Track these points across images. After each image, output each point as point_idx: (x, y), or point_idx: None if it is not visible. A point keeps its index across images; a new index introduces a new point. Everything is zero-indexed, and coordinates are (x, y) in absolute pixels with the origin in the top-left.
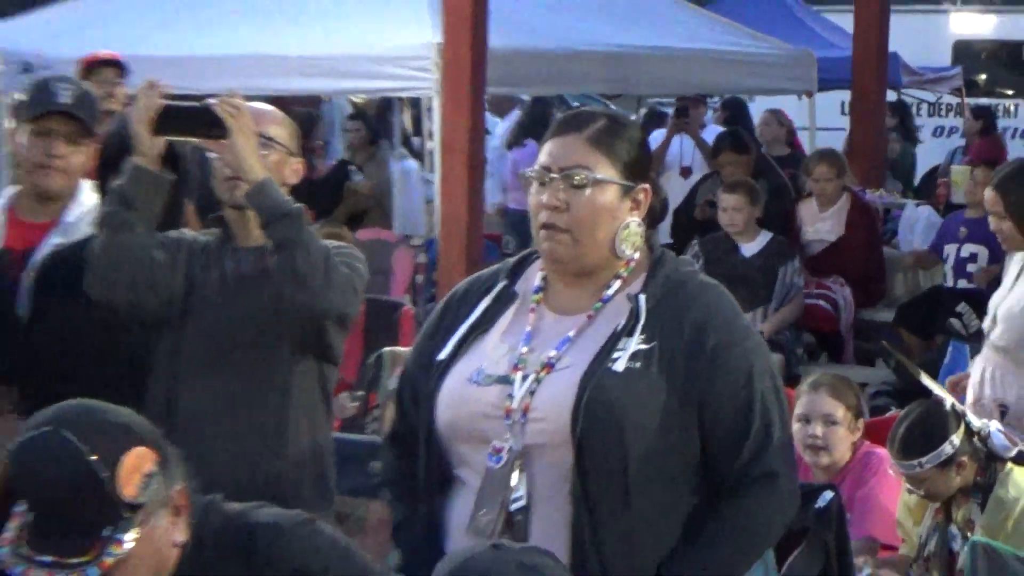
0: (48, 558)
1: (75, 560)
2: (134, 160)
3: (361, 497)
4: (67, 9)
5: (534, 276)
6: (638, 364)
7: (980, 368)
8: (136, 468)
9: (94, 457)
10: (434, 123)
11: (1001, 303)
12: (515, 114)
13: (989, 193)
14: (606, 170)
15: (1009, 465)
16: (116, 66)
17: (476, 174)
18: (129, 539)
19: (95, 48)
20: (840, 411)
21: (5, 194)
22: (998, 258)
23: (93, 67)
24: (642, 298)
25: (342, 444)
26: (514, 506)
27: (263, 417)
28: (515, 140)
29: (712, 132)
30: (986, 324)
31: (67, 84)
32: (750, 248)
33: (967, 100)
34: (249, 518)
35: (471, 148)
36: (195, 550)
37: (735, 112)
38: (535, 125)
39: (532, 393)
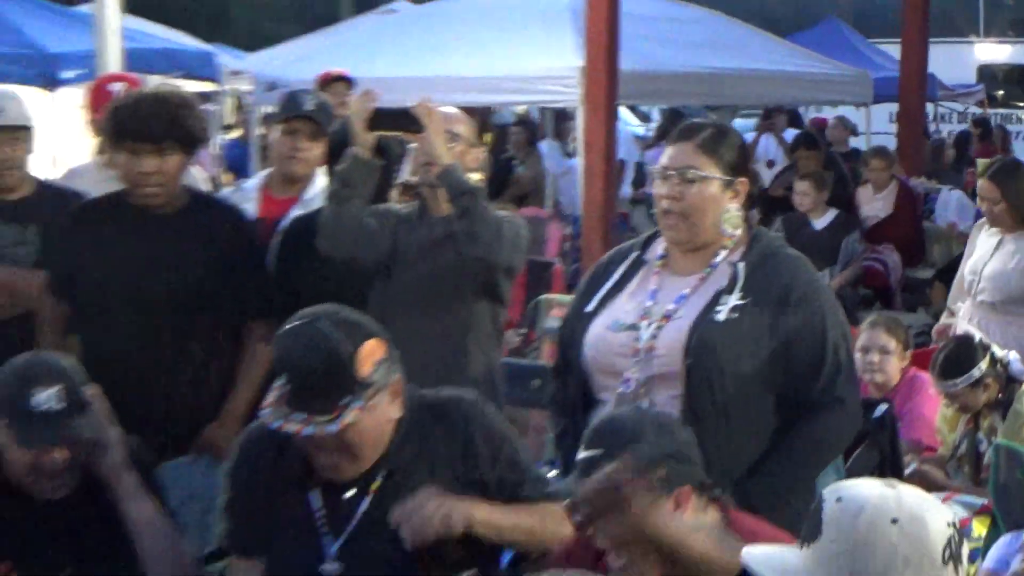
0: (301, 415)
1: (321, 418)
2: (353, 150)
3: (523, 406)
4: (298, 45)
5: (659, 247)
6: (735, 315)
7: (967, 317)
8: (371, 354)
9: (341, 342)
10: (577, 128)
11: (985, 266)
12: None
13: (984, 183)
14: (710, 169)
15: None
16: (346, 81)
17: (610, 166)
18: (361, 408)
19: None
20: (892, 343)
21: (260, 176)
22: None
23: (328, 81)
24: (741, 265)
25: (509, 366)
26: None
27: (450, 345)
28: (654, 143)
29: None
30: (967, 281)
31: (310, 95)
32: (820, 223)
33: (988, 110)
34: (444, 395)
35: (606, 146)
36: (407, 424)
37: (792, 118)
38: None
39: (654, 337)
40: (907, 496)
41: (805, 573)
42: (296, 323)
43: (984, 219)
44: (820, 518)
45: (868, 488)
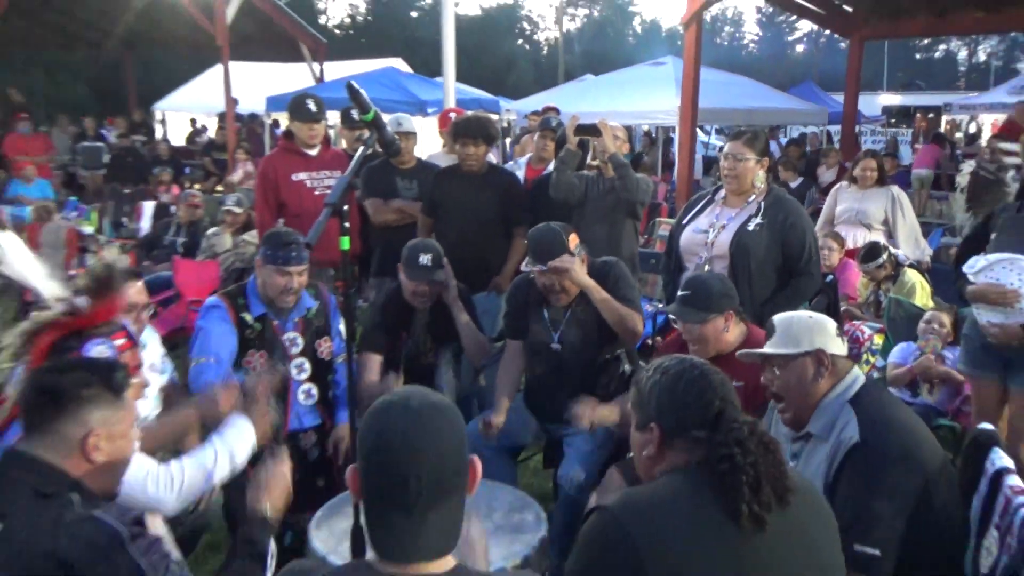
0: (540, 266)
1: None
2: (567, 145)
3: (649, 272)
4: (537, 96)
5: (722, 192)
6: (758, 228)
7: (849, 234)
8: (573, 239)
9: (559, 231)
10: (676, 137)
11: (859, 206)
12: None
13: (866, 160)
14: (749, 153)
15: (905, 268)
16: (555, 109)
17: (691, 157)
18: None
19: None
20: (835, 245)
21: (525, 158)
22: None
23: (547, 109)
24: (762, 203)
25: (641, 253)
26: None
27: (612, 241)
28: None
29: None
30: (846, 215)
31: (553, 118)
32: (792, 184)
33: (888, 129)
34: (601, 259)
35: (689, 146)
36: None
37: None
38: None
39: (716, 237)
40: (812, 312)
41: (769, 349)
42: (539, 227)
43: (837, 187)
44: (773, 326)
45: (792, 312)
